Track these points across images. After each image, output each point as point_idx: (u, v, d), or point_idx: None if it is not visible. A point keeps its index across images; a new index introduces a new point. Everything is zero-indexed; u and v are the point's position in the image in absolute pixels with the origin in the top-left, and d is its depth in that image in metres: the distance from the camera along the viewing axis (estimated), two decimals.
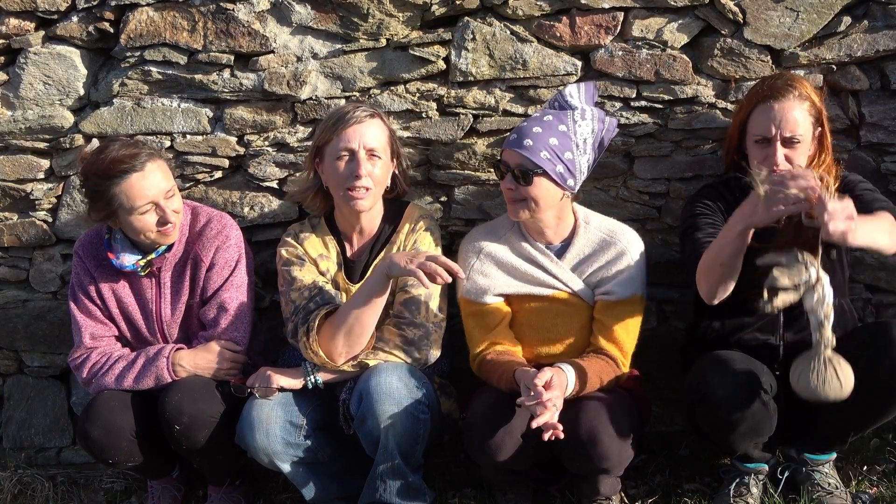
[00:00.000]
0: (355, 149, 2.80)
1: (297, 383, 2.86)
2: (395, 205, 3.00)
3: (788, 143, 2.69)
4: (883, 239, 2.46)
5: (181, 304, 3.00)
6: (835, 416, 2.76)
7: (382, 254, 2.94)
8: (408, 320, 2.83)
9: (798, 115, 2.68)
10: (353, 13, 3.07)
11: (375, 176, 2.83)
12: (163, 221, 2.86)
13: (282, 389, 2.85)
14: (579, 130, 2.79)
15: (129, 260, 2.92)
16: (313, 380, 2.85)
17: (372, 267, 2.93)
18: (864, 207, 2.65)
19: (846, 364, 2.39)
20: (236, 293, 2.97)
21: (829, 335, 2.37)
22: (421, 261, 2.64)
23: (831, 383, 2.37)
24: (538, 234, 2.90)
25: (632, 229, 2.99)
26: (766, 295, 2.36)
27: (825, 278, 2.36)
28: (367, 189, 2.83)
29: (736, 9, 2.97)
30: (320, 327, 2.77)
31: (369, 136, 2.82)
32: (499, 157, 2.85)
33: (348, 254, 2.99)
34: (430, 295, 2.86)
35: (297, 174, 3.22)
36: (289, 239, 3.00)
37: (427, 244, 2.92)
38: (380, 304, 2.75)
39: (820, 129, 2.76)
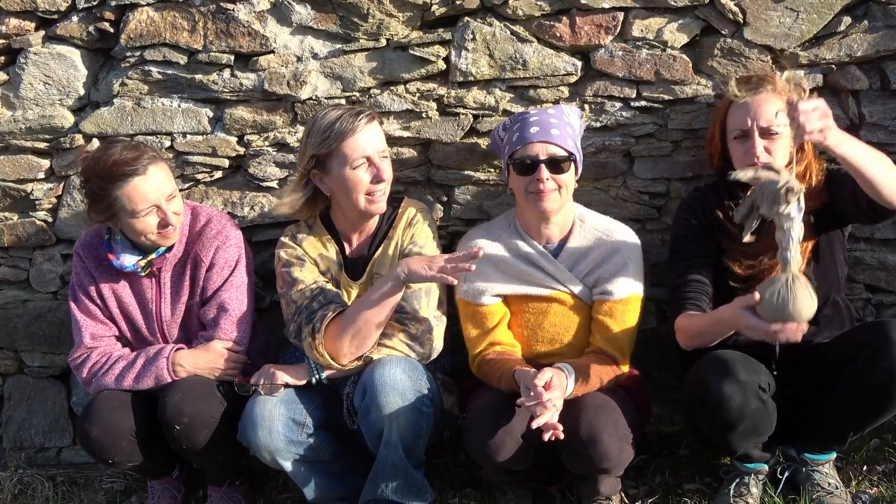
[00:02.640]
0: (371, 154, 2.81)
1: (301, 379, 2.87)
2: (390, 200, 3.00)
3: (766, 134, 2.71)
4: (874, 165, 2.48)
5: (181, 304, 3.00)
6: (833, 415, 2.76)
7: (380, 250, 2.94)
8: (410, 315, 2.84)
9: (773, 107, 2.70)
10: (353, 13, 3.07)
11: (388, 176, 2.86)
12: (164, 224, 2.86)
13: (287, 386, 2.85)
14: (576, 124, 2.90)
15: (129, 260, 2.92)
16: (318, 376, 2.85)
17: (371, 263, 2.94)
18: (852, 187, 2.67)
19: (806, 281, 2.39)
20: (236, 293, 2.97)
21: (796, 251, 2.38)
22: (440, 265, 2.68)
23: (806, 303, 2.37)
24: (544, 229, 2.89)
25: (628, 227, 3.00)
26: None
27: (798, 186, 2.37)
28: (385, 191, 2.86)
29: (736, 9, 2.97)
30: (327, 328, 2.77)
31: (377, 138, 2.84)
32: (511, 157, 2.82)
33: (347, 252, 2.99)
34: (430, 290, 2.87)
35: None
36: (286, 240, 3.00)
37: (424, 238, 2.92)
38: (392, 307, 2.77)
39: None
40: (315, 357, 2.80)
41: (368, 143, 2.80)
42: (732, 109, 2.79)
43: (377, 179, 2.82)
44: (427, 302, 2.86)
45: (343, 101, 3.13)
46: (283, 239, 3.02)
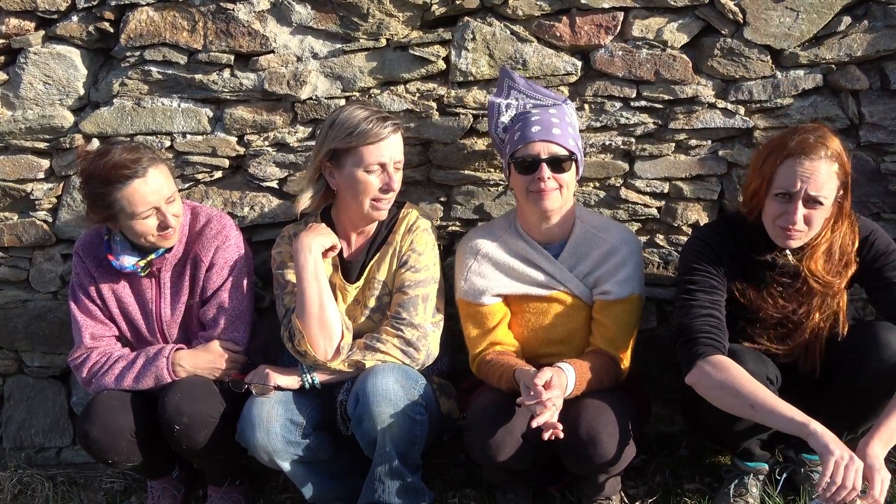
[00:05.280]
0: (386, 162, 2.81)
1: (294, 383, 2.87)
2: (392, 205, 3.00)
3: (810, 202, 2.56)
4: None
5: (181, 304, 3.00)
6: (826, 416, 2.74)
7: (378, 255, 2.94)
8: (406, 321, 2.84)
9: (826, 175, 2.54)
10: (353, 13, 3.07)
11: (398, 187, 2.87)
12: (163, 226, 2.85)
13: (279, 388, 2.85)
14: (576, 123, 2.90)
15: (128, 261, 2.92)
16: (310, 380, 2.86)
17: (369, 267, 2.94)
18: (884, 288, 2.65)
19: None
20: (236, 293, 2.97)
21: None
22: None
23: None
24: (545, 229, 2.89)
25: (627, 227, 2.99)
26: None
27: None
28: (390, 201, 2.87)
29: (736, 9, 2.97)
30: (302, 328, 2.80)
31: (397, 149, 2.85)
32: (513, 156, 2.81)
33: (345, 254, 2.98)
34: (428, 296, 2.87)
35: (297, 174, 3.22)
36: (283, 241, 3.00)
37: (423, 244, 2.91)
38: (321, 277, 2.81)
39: (843, 192, 2.61)
40: (302, 359, 2.83)
41: (387, 151, 2.80)
42: (785, 167, 2.57)
43: (386, 189, 2.82)
44: (423, 309, 2.86)
45: (343, 101, 3.12)
46: (279, 240, 3.02)
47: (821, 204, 2.57)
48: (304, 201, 2.92)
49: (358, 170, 2.80)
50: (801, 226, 2.58)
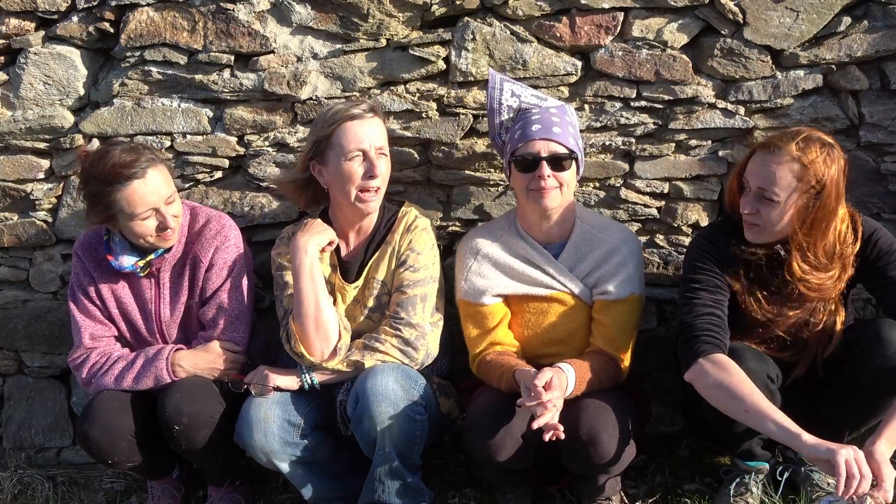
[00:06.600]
0: (366, 149, 2.80)
1: (293, 384, 2.87)
2: (390, 204, 3.00)
3: (762, 197, 2.59)
4: None
5: (180, 304, 3.00)
6: (828, 414, 2.75)
7: (377, 254, 2.93)
8: (405, 321, 2.84)
9: (780, 173, 2.55)
10: (353, 13, 3.07)
11: (383, 175, 2.85)
12: (162, 227, 2.85)
13: (278, 389, 2.85)
14: (576, 123, 2.90)
15: (127, 261, 2.92)
16: (309, 381, 2.86)
17: (367, 267, 2.94)
18: (887, 286, 2.65)
19: None
20: (235, 293, 2.97)
21: None
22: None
23: None
24: (545, 229, 2.89)
25: (628, 228, 2.99)
26: None
27: None
28: (378, 189, 2.84)
29: (736, 9, 2.97)
30: (297, 330, 2.81)
31: (376, 134, 2.83)
32: (513, 154, 2.81)
33: (343, 254, 2.98)
34: (427, 296, 2.87)
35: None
36: (282, 242, 3.00)
37: (422, 244, 2.91)
38: (317, 278, 2.81)
39: (815, 200, 2.57)
40: (300, 360, 2.83)
41: (366, 135, 2.79)
42: (750, 161, 2.65)
43: (370, 175, 2.80)
44: (422, 308, 2.85)
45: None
46: (278, 241, 3.02)
47: (771, 200, 2.58)
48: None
49: (340, 160, 2.80)
50: (756, 218, 2.62)
